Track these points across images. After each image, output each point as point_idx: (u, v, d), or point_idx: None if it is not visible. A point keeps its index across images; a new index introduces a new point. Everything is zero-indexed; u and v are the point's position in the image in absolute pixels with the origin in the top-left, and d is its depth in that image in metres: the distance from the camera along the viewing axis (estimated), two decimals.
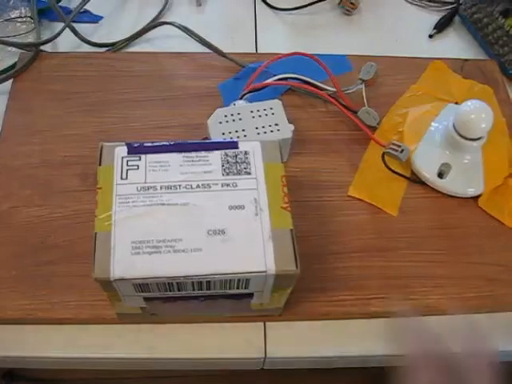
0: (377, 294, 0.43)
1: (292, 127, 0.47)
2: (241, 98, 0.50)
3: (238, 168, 0.36)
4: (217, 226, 0.34)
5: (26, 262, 0.43)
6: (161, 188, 0.35)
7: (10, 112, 0.52)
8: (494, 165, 0.50)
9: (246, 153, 0.37)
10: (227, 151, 0.37)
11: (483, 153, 0.49)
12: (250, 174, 0.36)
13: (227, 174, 0.36)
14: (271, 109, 0.48)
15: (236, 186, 0.36)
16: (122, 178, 0.36)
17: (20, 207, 0.46)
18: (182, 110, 0.53)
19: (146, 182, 0.35)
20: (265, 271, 0.33)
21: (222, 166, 0.37)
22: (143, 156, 0.37)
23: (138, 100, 0.53)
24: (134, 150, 0.37)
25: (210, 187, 0.35)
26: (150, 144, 0.37)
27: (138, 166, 0.36)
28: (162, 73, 0.55)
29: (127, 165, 0.36)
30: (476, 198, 0.49)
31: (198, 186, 0.35)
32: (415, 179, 0.49)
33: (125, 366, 0.44)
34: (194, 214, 0.34)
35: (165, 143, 0.37)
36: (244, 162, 0.37)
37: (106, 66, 0.55)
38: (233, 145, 0.38)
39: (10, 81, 0.54)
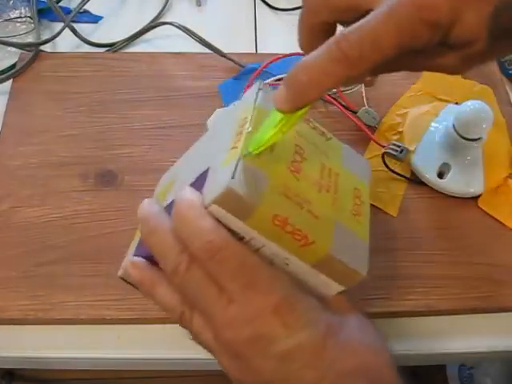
0: (377, 294, 0.43)
1: None
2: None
3: None
4: None
5: (25, 263, 0.43)
6: None
7: (9, 112, 0.52)
8: (494, 165, 0.49)
9: None
10: None
11: (483, 153, 0.49)
12: None
13: None
14: None
15: None
16: None
17: (19, 207, 0.46)
18: (182, 110, 0.53)
19: None
20: None
21: None
22: None
23: (138, 100, 0.53)
24: None
25: None
26: None
27: None
28: (162, 73, 0.55)
29: None
30: (476, 198, 0.49)
31: None
32: (415, 179, 0.49)
33: (125, 365, 0.44)
34: None
35: None
36: None
37: (105, 66, 0.55)
38: None
39: (10, 81, 0.54)
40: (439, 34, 0.26)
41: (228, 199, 0.27)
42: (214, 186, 0.28)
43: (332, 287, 0.31)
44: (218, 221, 0.28)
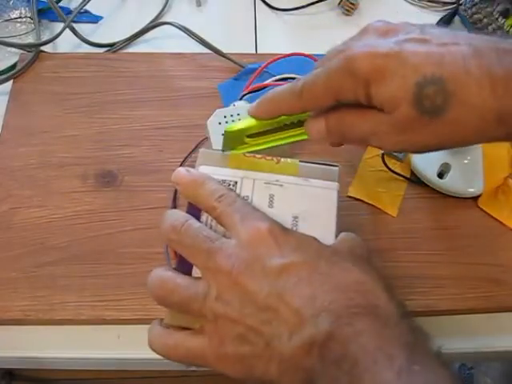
0: None
1: None
2: (241, 99, 0.50)
3: None
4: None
5: (26, 263, 0.43)
6: None
7: (9, 113, 0.52)
8: (493, 165, 0.49)
9: None
10: None
11: (483, 153, 0.49)
12: None
13: None
14: None
15: None
16: None
17: (20, 208, 0.46)
18: (182, 110, 0.53)
19: None
20: None
21: None
22: None
23: (138, 100, 0.53)
24: None
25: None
26: None
27: None
28: (162, 73, 0.55)
29: None
30: (476, 198, 0.49)
31: None
32: (415, 179, 0.49)
33: (125, 365, 0.44)
34: None
35: None
36: None
37: (105, 67, 0.55)
38: None
39: (10, 81, 0.54)
40: (361, 85, 0.30)
41: (208, 157, 0.36)
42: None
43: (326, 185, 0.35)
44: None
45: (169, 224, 0.32)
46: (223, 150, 0.36)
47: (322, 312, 0.28)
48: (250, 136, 0.36)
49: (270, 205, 0.34)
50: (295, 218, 0.34)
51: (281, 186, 0.35)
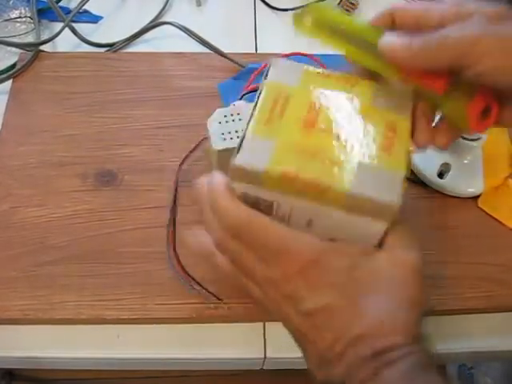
0: None
1: None
2: (240, 98, 0.50)
3: None
4: None
5: (25, 263, 0.43)
6: None
7: (9, 112, 0.52)
8: (494, 165, 0.49)
9: None
10: None
11: (483, 153, 0.49)
12: None
13: None
14: None
15: None
16: None
17: (19, 207, 0.46)
18: (182, 110, 0.53)
19: None
20: None
21: None
22: None
23: (138, 100, 0.53)
24: None
25: None
26: None
27: None
28: (162, 73, 0.55)
29: None
30: (476, 198, 0.49)
31: None
32: (415, 179, 0.49)
33: (125, 365, 0.44)
34: None
35: None
36: None
37: (105, 66, 0.55)
38: None
39: (10, 81, 0.54)
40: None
41: (238, 173, 0.31)
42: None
43: (370, 226, 0.32)
44: (247, 194, 0.31)
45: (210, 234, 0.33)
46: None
47: (341, 356, 0.30)
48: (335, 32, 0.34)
49: (309, 224, 0.33)
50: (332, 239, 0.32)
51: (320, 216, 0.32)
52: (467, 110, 0.32)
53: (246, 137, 0.31)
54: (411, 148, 0.34)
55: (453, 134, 0.34)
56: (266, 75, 0.35)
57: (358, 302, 0.30)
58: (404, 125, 0.33)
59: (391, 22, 0.34)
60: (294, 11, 0.34)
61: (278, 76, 0.34)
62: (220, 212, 0.31)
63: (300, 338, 0.33)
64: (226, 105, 0.51)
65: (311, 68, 0.35)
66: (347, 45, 0.34)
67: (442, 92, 0.32)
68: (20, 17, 0.59)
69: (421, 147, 0.34)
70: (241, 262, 0.32)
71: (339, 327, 0.30)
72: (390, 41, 0.31)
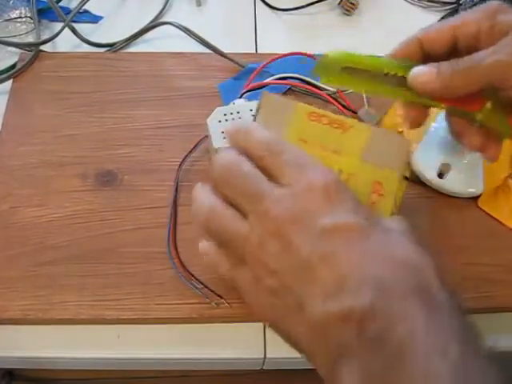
0: None
1: None
2: (240, 97, 0.50)
3: None
4: None
5: (25, 263, 0.43)
6: None
7: (9, 112, 0.52)
8: (493, 165, 0.49)
9: None
10: None
11: None
12: None
13: None
14: None
15: None
16: None
17: (19, 207, 0.46)
18: (182, 109, 0.53)
19: None
20: None
21: None
22: None
23: (138, 100, 0.53)
24: None
25: None
26: None
27: None
28: (162, 73, 0.55)
29: None
30: (476, 198, 0.49)
31: None
32: (415, 179, 0.49)
33: (125, 365, 0.44)
34: None
35: None
36: None
37: (105, 66, 0.55)
38: None
39: (10, 81, 0.54)
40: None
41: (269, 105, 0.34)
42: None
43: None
44: None
45: (220, 164, 0.31)
46: (314, 74, 0.35)
47: (367, 283, 0.25)
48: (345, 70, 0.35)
49: None
50: None
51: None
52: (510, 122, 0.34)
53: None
54: (411, 148, 0.34)
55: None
56: (257, 110, 0.34)
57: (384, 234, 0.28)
58: (390, 183, 0.34)
59: (419, 48, 0.34)
60: (315, 63, 0.34)
61: (267, 117, 0.34)
62: (249, 138, 0.31)
63: (305, 276, 0.27)
64: (226, 104, 0.51)
65: (305, 107, 0.34)
66: (379, 86, 0.35)
67: (478, 109, 0.33)
68: (20, 17, 0.59)
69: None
70: (247, 185, 0.30)
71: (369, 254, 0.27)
72: (419, 74, 0.33)
